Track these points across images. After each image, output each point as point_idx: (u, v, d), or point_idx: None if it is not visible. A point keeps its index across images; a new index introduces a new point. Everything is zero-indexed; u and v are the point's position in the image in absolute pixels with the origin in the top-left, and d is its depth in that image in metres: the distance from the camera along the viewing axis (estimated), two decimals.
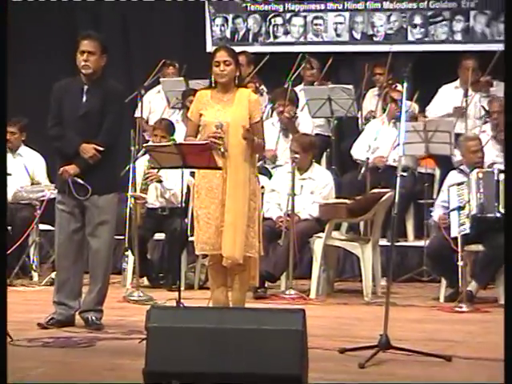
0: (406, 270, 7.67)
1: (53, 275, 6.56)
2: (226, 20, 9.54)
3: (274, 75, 8.72)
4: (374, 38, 9.25)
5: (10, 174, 7.52)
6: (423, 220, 7.62)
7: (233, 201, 5.22)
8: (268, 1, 9.40)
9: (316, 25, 9.38)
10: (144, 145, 6.87)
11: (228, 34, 9.54)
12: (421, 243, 7.57)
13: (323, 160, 8.44)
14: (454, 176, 6.98)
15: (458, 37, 9.07)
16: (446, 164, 7.77)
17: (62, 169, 5.48)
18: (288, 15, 9.41)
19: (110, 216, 5.50)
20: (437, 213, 6.88)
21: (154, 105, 8.96)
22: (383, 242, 7.32)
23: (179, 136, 7.05)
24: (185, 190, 5.68)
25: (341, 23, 9.33)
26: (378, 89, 8.68)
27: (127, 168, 6.97)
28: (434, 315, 6.28)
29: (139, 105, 7.70)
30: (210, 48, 9.20)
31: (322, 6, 9.31)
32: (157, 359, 3.84)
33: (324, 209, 7.05)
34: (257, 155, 5.47)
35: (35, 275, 7.74)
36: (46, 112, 5.63)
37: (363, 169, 7.64)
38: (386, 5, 9.16)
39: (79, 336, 5.20)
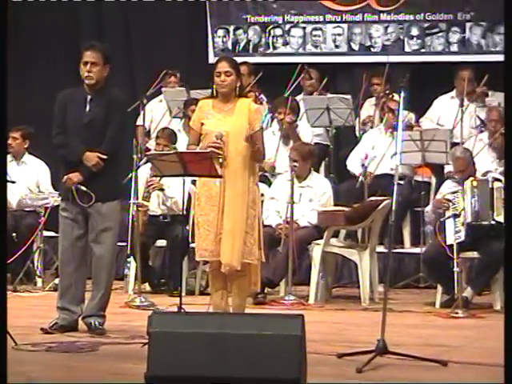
0: (403, 276, 7.73)
1: (56, 281, 6.56)
2: (228, 31, 9.61)
3: (273, 85, 8.76)
4: (372, 49, 9.31)
5: (14, 182, 7.63)
6: (420, 227, 7.67)
7: (232, 209, 5.29)
8: (268, 12, 9.50)
9: (315, 36, 9.45)
10: (146, 153, 6.95)
11: (229, 45, 9.62)
12: (417, 250, 7.62)
13: (322, 168, 8.48)
14: (448, 185, 7.05)
15: (454, 48, 9.13)
16: (442, 173, 7.83)
17: (65, 176, 5.52)
18: (287, 26, 9.48)
19: (112, 223, 5.54)
20: (432, 204, 6.92)
21: (155, 114, 9.01)
22: (380, 248, 7.37)
23: (181, 145, 7.14)
24: (186, 198, 5.75)
25: (339, 34, 9.40)
26: (375, 99, 8.73)
27: (129, 176, 7.06)
28: (431, 321, 6.31)
29: (141, 113, 7.76)
30: (212, 59, 9.27)
31: (321, 18, 9.38)
32: (158, 363, 3.87)
33: (322, 216, 7.11)
34: (257, 164, 5.55)
35: (39, 281, 7.77)
36: (50, 121, 5.67)
37: (361, 177, 7.71)
38: (384, 17, 9.23)
39: (82, 341, 5.23)
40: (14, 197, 7.88)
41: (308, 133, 8.28)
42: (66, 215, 5.57)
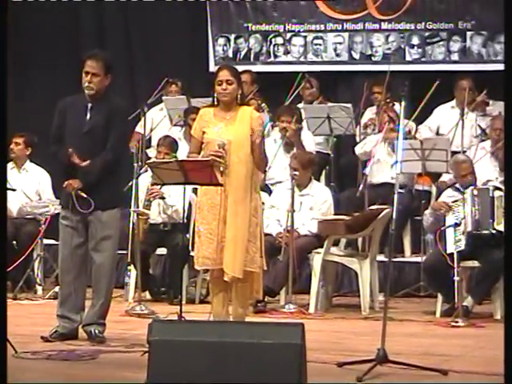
0: (403, 285, 7.72)
1: (56, 289, 6.59)
2: (228, 40, 9.64)
3: (274, 94, 8.79)
4: (373, 58, 9.34)
5: (15, 190, 7.63)
6: (420, 236, 7.69)
7: (234, 217, 5.30)
8: (269, 21, 9.52)
9: (316, 45, 9.48)
10: (147, 161, 6.95)
11: (230, 54, 9.64)
12: (417, 259, 7.62)
13: (322, 177, 8.50)
14: (448, 193, 7.06)
15: (455, 57, 9.16)
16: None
17: (66, 182, 5.53)
18: (288, 35, 9.50)
19: (113, 231, 5.55)
20: (430, 207, 6.92)
21: (156, 122, 9.04)
22: (381, 257, 7.38)
23: (182, 153, 7.15)
24: (187, 206, 5.76)
25: (340, 43, 9.42)
26: (376, 107, 8.77)
27: (130, 184, 7.07)
28: (431, 330, 6.32)
29: (141, 121, 7.77)
30: (212, 67, 9.28)
31: (322, 27, 9.40)
32: (158, 372, 3.88)
33: (323, 225, 7.12)
34: (259, 172, 5.56)
35: (39, 289, 7.78)
36: (50, 128, 5.67)
37: (361, 186, 7.72)
38: (385, 25, 9.26)
39: (82, 349, 5.23)
40: (14, 204, 7.89)
41: (311, 141, 8.30)
42: (66, 223, 5.57)
